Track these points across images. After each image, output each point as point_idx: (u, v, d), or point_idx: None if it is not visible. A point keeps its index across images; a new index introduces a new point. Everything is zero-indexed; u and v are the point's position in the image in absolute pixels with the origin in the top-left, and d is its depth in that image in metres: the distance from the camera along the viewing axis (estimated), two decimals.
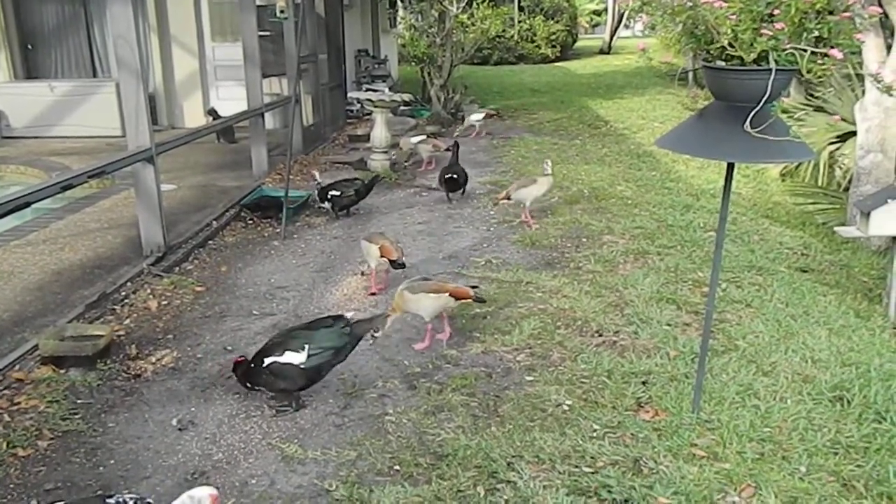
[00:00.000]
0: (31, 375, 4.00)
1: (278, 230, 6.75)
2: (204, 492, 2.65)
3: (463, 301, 4.38)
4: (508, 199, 6.73)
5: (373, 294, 5.24)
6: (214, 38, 11.98)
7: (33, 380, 3.95)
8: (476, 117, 11.78)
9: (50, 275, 5.50)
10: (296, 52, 7.98)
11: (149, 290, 5.27)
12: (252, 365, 3.66)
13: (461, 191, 7.82)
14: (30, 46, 11.99)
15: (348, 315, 3.87)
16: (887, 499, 2.95)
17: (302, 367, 3.57)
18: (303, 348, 3.57)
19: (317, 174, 7.51)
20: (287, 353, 3.58)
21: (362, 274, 5.53)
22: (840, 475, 3.09)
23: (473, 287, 4.57)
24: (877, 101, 7.41)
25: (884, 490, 2.99)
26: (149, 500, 2.68)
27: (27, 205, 4.48)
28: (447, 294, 4.25)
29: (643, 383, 3.85)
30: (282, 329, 4.29)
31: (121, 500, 2.60)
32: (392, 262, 5.08)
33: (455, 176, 7.62)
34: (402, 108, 11.90)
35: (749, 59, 2.91)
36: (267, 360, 3.61)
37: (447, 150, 8.45)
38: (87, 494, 3.08)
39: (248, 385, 3.74)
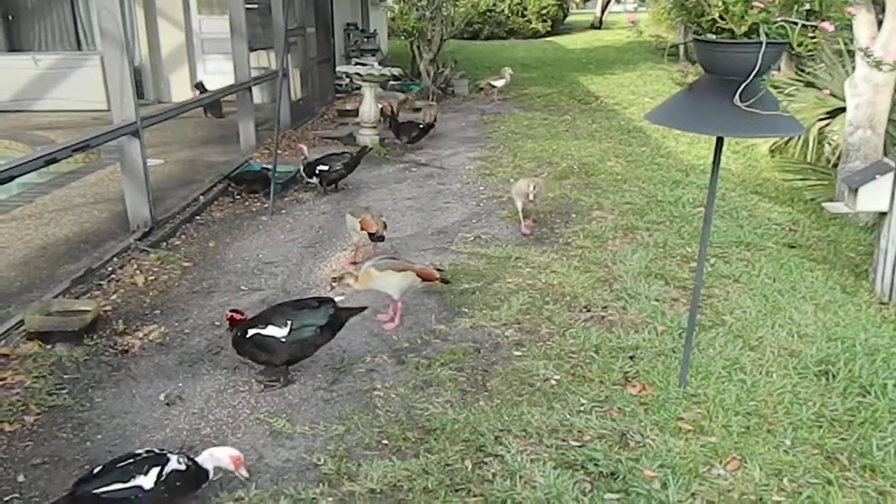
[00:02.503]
0: (16, 351, 3.97)
1: (266, 205, 6.70)
2: (224, 452, 2.70)
3: (428, 282, 4.39)
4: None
5: (353, 264, 5.24)
6: (201, 10, 11.82)
7: (19, 355, 3.93)
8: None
9: (35, 250, 5.45)
10: (283, 25, 7.88)
11: (135, 266, 5.23)
12: (239, 333, 3.68)
13: (414, 140, 9.05)
14: (10, 17, 11.75)
15: (338, 298, 3.88)
16: (870, 471, 2.99)
17: (283, 341, 3.59)
18: (286, 324, 3.59)
19: (305, 148, 7.34)
20: (270, 326, 3.61)
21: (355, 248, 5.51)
22: (824, 448, 3.12)
23: (439, 270, 4.60)
24: (867, 77, 7.39)
25: (867, 462, 3.02)
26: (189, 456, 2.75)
27: (11, 178, 4.44)
28: (413, 273, 4.25)
29: (631, 358, 3.87)
30: (271, 304, 4.28)
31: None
32: (371, 234, 5.08)
33: (398, 130, 9.02)
34: (391, 82, 11.80)
35: (740, 32, 2.88)
36: (251, 332, 3.63)
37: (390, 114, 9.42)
38: (74, 469, 3.07)
39: (238, 353, 3.74)
